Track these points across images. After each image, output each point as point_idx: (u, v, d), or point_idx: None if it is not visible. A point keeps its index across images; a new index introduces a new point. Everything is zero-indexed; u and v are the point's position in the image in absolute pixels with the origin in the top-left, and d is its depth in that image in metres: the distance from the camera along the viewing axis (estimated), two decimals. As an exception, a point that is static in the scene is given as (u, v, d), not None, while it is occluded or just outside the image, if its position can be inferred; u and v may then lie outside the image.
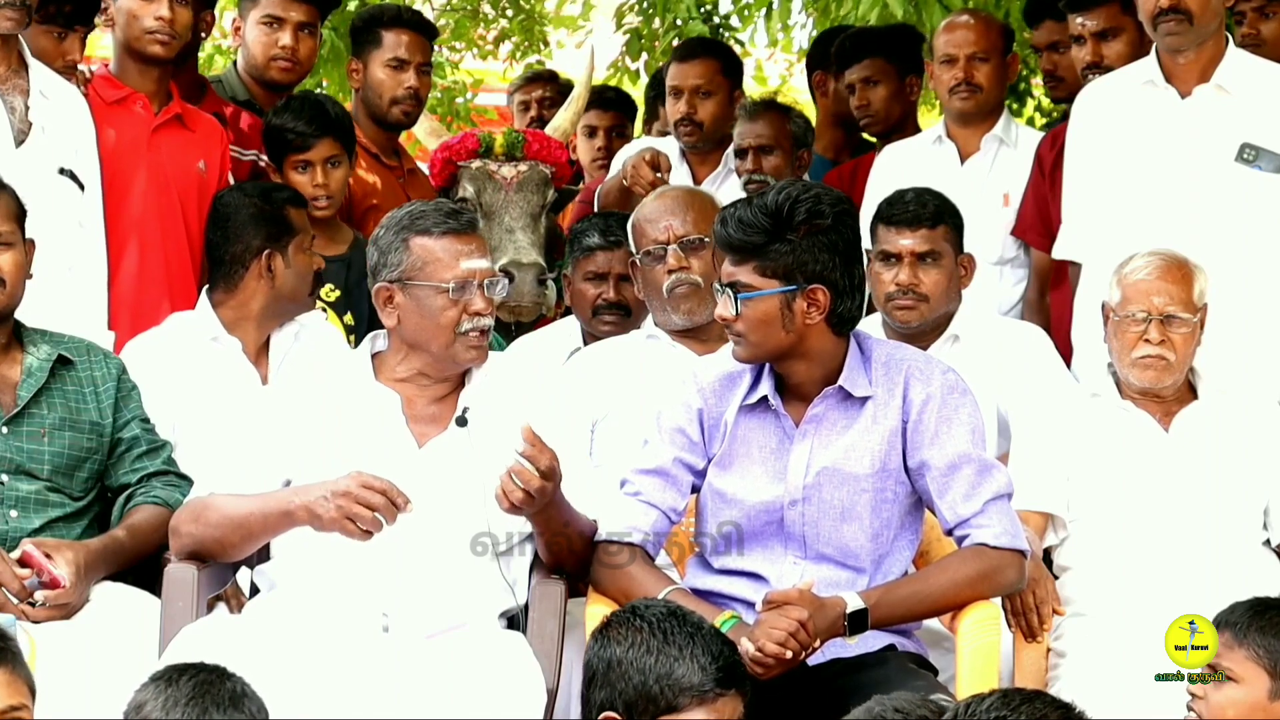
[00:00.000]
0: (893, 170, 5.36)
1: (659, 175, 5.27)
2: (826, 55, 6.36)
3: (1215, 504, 4.09)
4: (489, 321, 3.78)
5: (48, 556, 3.72)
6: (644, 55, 8.58)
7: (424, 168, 5.67)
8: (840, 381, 3.62)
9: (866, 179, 5.55)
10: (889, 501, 3.63)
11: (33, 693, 2.88)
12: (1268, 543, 4.15)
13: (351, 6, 7.46)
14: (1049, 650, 4.03)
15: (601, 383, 4.38)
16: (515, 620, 3.73)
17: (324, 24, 5.59)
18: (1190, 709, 3.36)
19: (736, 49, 7.69)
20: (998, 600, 3.73)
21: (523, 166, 5.25)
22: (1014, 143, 5.41)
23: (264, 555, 3.80)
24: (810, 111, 6.64)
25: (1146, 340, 4.12)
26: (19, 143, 4.40)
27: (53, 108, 4.47)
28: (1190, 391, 4.23)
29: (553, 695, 3.57)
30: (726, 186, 5.78)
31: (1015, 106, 8.88)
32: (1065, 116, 5.11)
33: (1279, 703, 3.28)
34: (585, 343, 4.77)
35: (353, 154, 5.07)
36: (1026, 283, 5.33)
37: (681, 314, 4.40)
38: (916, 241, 4.51)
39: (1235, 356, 4.44)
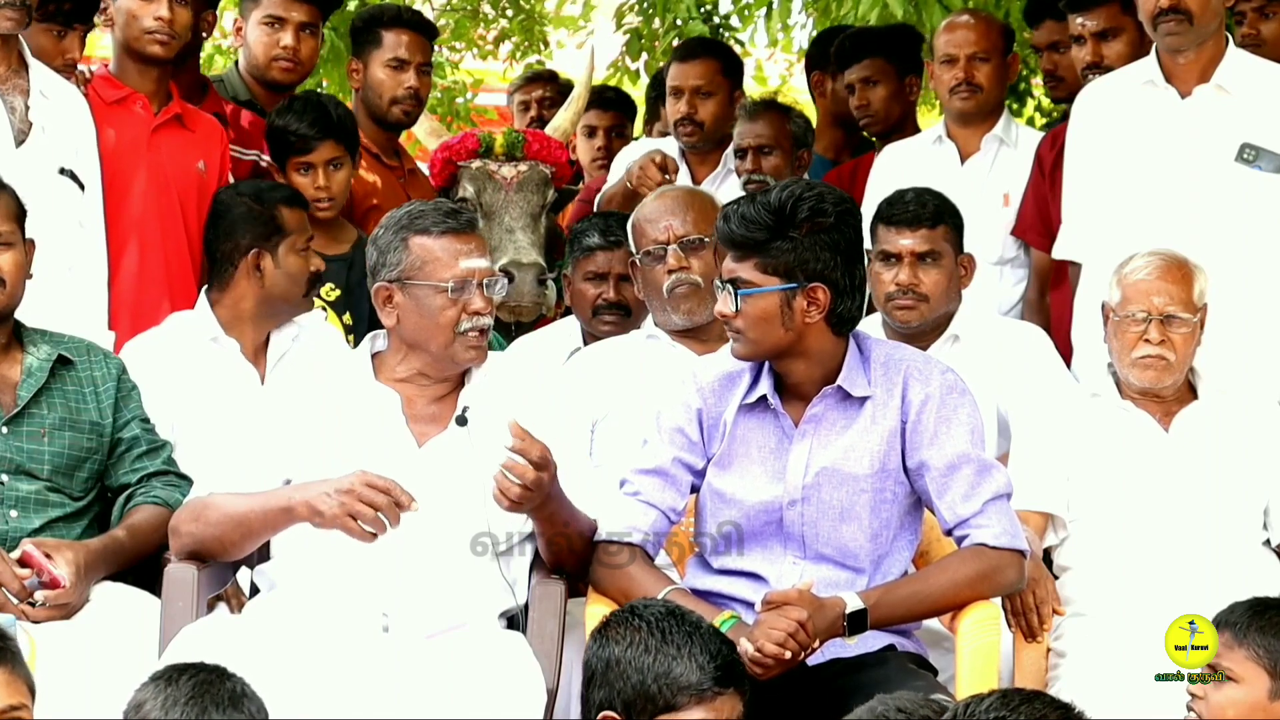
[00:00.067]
0: (893, 170, 5.36)
1: (667, 177, 5.27)
2: (825, 55, 6.37)
3: (1215, 504, 4.09)
4: (488, 321, 3.78)
5: (48, 556, 3.72)
6: (644, 55, 8.58)
7: (424, 168, 5.67)
8: (839, 381, 3.62)
9: (866, 179, 5.55)
10: (888, 502, 3.63)
11: (32, 693, 2.88)
12: (1268, 543, 4.15)
13: (351, 6, 7.45)
14: (1049, 650, 4.03)
15: (601, 383, 4.38)
16: (515, 620, 3.73)
17: (325, 24, 5.59)
18: (1190, 709, 3.36)
19: (736, 49, 7.69)
20: (998, 600, 3.73)
21: (523, 166, 5.25)
22: (1014, 143, 5.41)
23: (264, 555, 3.80)
24: (811, 111, 6.64)
25: (1146, 340, 4.12)
26: (19, 143, 4.40)
27: (53, 108, 4.48)
28: (1190, 391, 4.23)
29: (553, 695, 3.57)
30: (726, 186, 5.78)
31: (1015, 106, 8.88)
32: (1065, 116, 5.11)
33: (1279, 703, 3.28)
34: (585, 343, 4.77)
35: (356, 156, 5.06)
36: (1026, 283, 5.33)
37: (681, 314, 4.40)
38: (916, 241, 4.51)
39: (1235, 356, 4.44)
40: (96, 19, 4.92)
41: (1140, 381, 4.15)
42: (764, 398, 3.66)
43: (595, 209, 5.58)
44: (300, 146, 4.94)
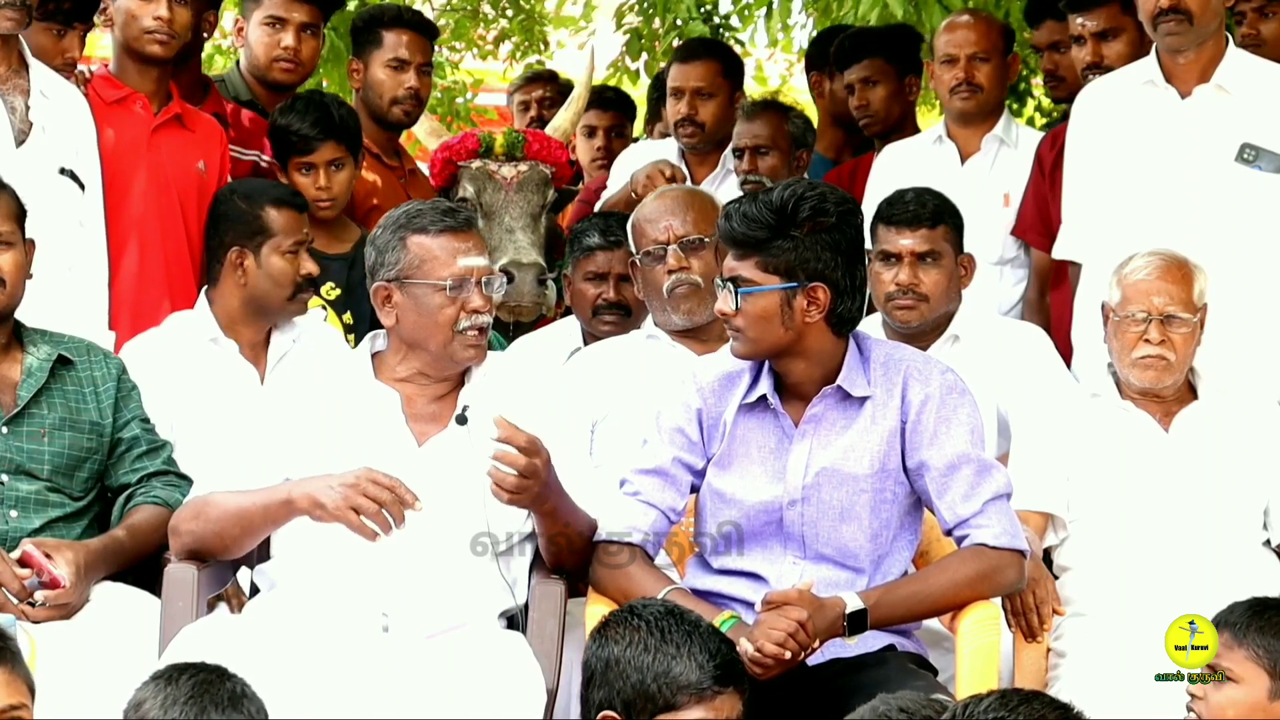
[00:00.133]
0: (893, 170, 5.36)
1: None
2: (824, 56, 6.37)
3: (1215, 504, 4.09)
4: (487, 319, 3.78)
5: (48, 556, 3.72)
6: (644, 55, 8.58)
7: (424, 168, 5.67)
8: (839, 381, 3.62)
9: (866, 179, 5.55)
10: (888, 502, 3.63)
11: (32, 692, 2.88)
12: (1268, 543, 4.15)
13: (352, 6, 7.45)
14: (1049, 650, 4.03)
15: (601, 383, 4.38)
16: (515, 620, 3.73)
17: (325, 24, 5.58)
18: (1190, 709, 3.36)
19: (737, 49, 7.69)
20: (998, 600, 3.73)
21: (523, 166, 5.25)
22: (1014, 143, 5.41)
23: (264, 555, 3.81)
24: (813, 111, 6.64)
25: (1146, 340, 4.12)
26: (19, 143, 4.40)
27: (53, 108, 4.47)
28: (1190, 391, 4.23)
29: (553, 695, 3.57)
30: (725, 187, 5.78)
31: (1015, 106, 8.88)
32: (1065, 116, 5.11)
33: (1279, 703, 3.28)
34: (585, 343, 4.77)
35: (358, 156, 5.06)
36: (1026, 283, 5.33)
37: (681, 314, 4.40)
38: (916, 241, 4.51)
39: (1235, 356, 4.44)
40: (96, 18, 4.93)
41: (1140, 381, 4.15)
42: (764, 397, 3.66)
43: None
44: (302, 146, 4.93)
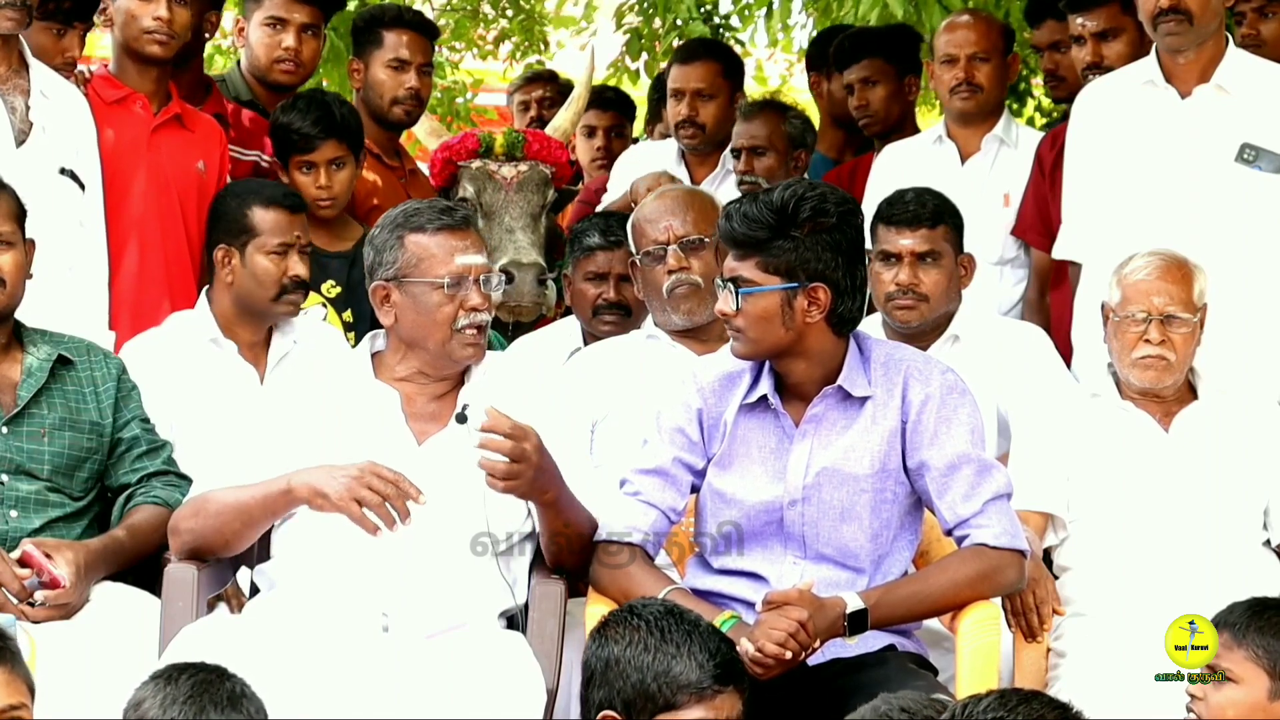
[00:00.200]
0: (893, 170, 5.36)
1: None
2: (824, 56, 6.37)
3: (1215, 504, 4.09)
4: (485, 317, 3.78)
5: (48, 556, 3.72)
6: (644, 55, 8.58)
7: (424, 168, 5.67)
8: (839, 381, 3.62)
9: (866, 179, 5.55)
10: (888, 502, 3.63)
11: (32, 692, 2.88)
12: (1268, 543, 4.15)
13: (352, 6, 7.45)
14: (1049, 650, 4.03)
15: (601, 383, 4.38)
16: (515, 620, 3.73)
17: (326, 25, 5.58)
18: (1190, 709, 3.36)
19: (737, 49, 7.69)
20: (998, 600, 3.73)
21: (523, 166, 5.25)
22: (1014, 143, 5.41)
23: (264, 555, 3.81)
24: (813, 111, 6.64)
25: (1146, 340, 4.12)
26: (20, 143, 4.40)
27: (53, 108, 4.48)
28: (1190, 391, 4.23)
29: (553, 695, 3.57)
30: (725, 187, 5.79)
31: (1015, 106, 8.88)
32: (1065, 116, 5.11)
33: (1278, 703, 3.28)
34: (585, 343, 4.77)
35: (360, 155, 5.05)
36: (1026, 283, 5.33)
37: (681, 314, 4.40)
38: (916, 241, 4.52)
39: (1235, 356, 4.44)
40: (96, 18, 4.93)
41: (1140, 382, 4.15)
42: (764, 398, 3.66)
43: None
44: (303, 145, 4.93)
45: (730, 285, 3.57)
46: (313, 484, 3.52)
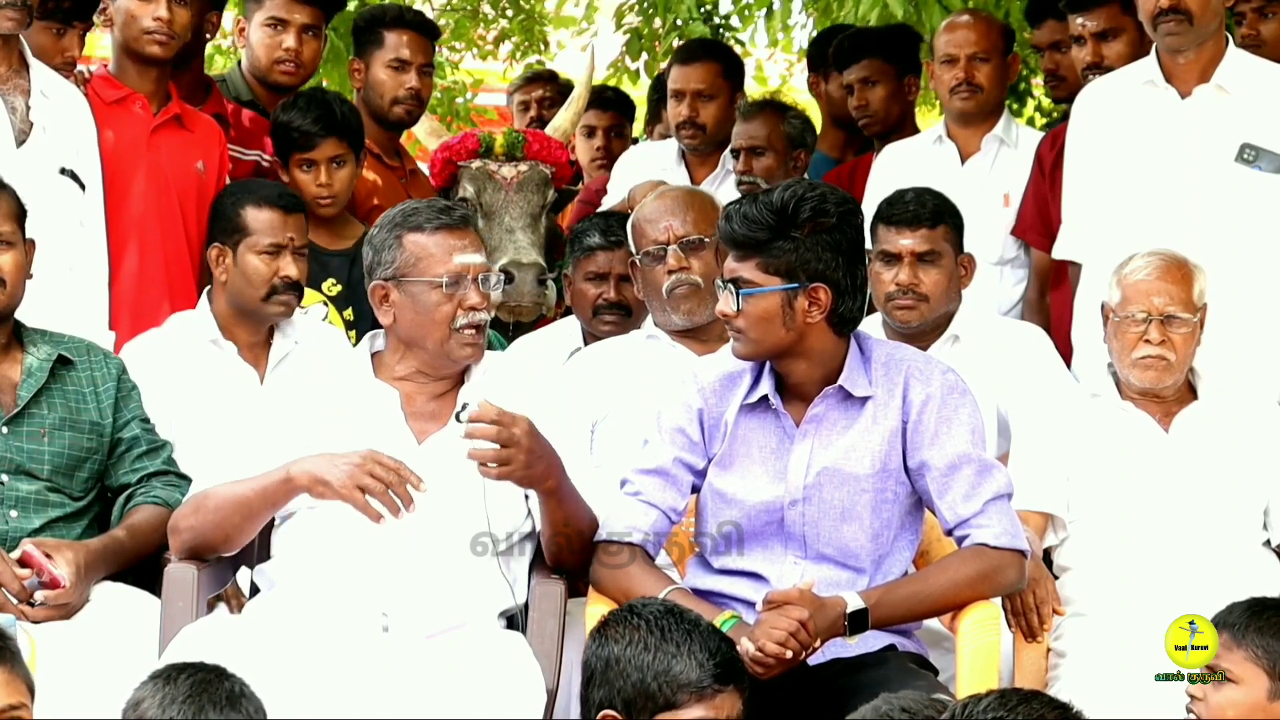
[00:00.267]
0: (893, 170, 5.36)
1: None
2: (823, 56, 6.37)
3: (1215, 504, 4.09)
4: (484, 317, 3.78)
5: (48, 556, 3.72)
6: (644, 55, 8.58)
7: (424, 168, 5.67)
8: (840, 381, 3.62)
9: (866, 179, 5.55)
10: (889, 502, 3.63)
11: (32, 692, 2.88)
12: (1268, 543, 4.15)
13: (352, 6, 7.46)
14: (1049, 650, 4.03)
15: (601, 383, 4.38)
16: (515, 620, 3.73)
17: (327, 26, 5.58)
18: (1190, 710, 3.36)
19: (737, 49, 7.69)
20: (998, 600, 3.73)
21: (523, 166, 5.25)
22: (1014, 143, 5.41)
23: (264, 555, 3.81)
24: (814, 110, 6.64)
25: (1147, 340, 4.12)
26: (20, 143, 4.40)
27: (54, 108, 4.48)
28: (1190, 392, 4.23)
29: (553, 695, 3.57)
30: (725, 188, 5.79)
31: (1015, 106, 8.88)
32: (1065, 116, 5.10)
33: (1278, 703, 3.28)
34: (585, 343, 4.77)
35: (360, 154, 5.05)
36: (1026, 283, 5.33)
37: (681, 314, 4.40)
38: (916, 241, 4.52)
39: (1235, 356, 4.44)
40: (96, 18, 4.93)
41: (1140, 382, 4.15)
42: (765, 398, 3.66)
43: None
44: (303, 143, 4.93)
45: (731, 286, 3.57)
46: (313, 472, 3.52)
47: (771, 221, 3.53)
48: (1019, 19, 6.56)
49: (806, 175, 5.74)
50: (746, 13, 8.41)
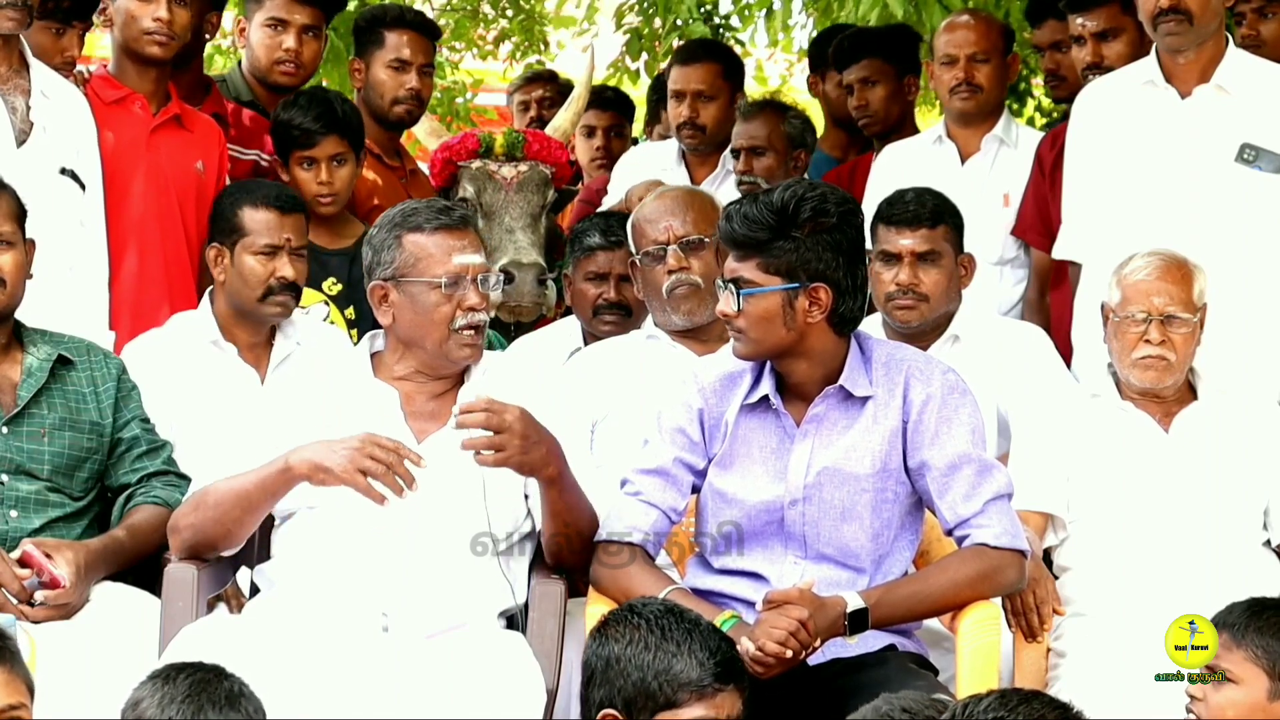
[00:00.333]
0: (893, 170, 5.36)
1: None
2: (822, 56, 6.37)
3: (1215, 504, 4.09)
4: (484, 317, 3.78)
5: (48, 556, 3.72)
6: (644, 55, 8.58)
7: (424, 168, 5.67)
8: (841, 381, 3.62)
9: (866, 179, 5.55)
10: (889, 502, 3.63)
11: (31, 692, 2.88)
12: (1268, 543, 4.15)
13: (352, 6, 7.46)
14: (1049, 650, 4.03)
15: (601, 383, 4.38)
16: (515, 620, 3.73)
17: (327, 26, 5.58)
18: (1190, 710, 3.36)
19: (737, 49, 7.69)
20: (998, 600, 3.73)
21: (523, 166, 5.25)
22: (1014, 143, 5.41)
23: (264, 555, 3.81)
24: (815, 110, 6.65)
25: (1147, 341, 4.12)
26: (20, 143, 4.40)
27: (54, 108, 4.48)
28: (1190, 392, 4.23)
29: (553, 695, 3.57)
30: (725, 188, 5.79)
31: (1015, 106, 8.89)
32: (1065, 116, 5.11)
33: (1278, 703, 3.28)
34: (585, 343, 4.77)
35: (361, 153, 5.05)
36: (1026, 283, 5.33)
37: (681, 314, 4.40)
38: (916, 241, 4.52)
39: (1235, 356, 4.44)
40: (95, 18, 4.93)
41: (1141, 382, 4.15)
42: (765, 398, 3.66)
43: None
44: (304, 141, 4.92)
45: (731, 286, 3.57)
46: (313, 459, 3.52)
47: (772, 221, 3.53)
48: (1019, 19, 6.57)
49: (807, 175, 5.74)
50: (746, 13, 8.40)
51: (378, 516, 3.59)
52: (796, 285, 3.54)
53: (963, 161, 5.41)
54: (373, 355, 3.84)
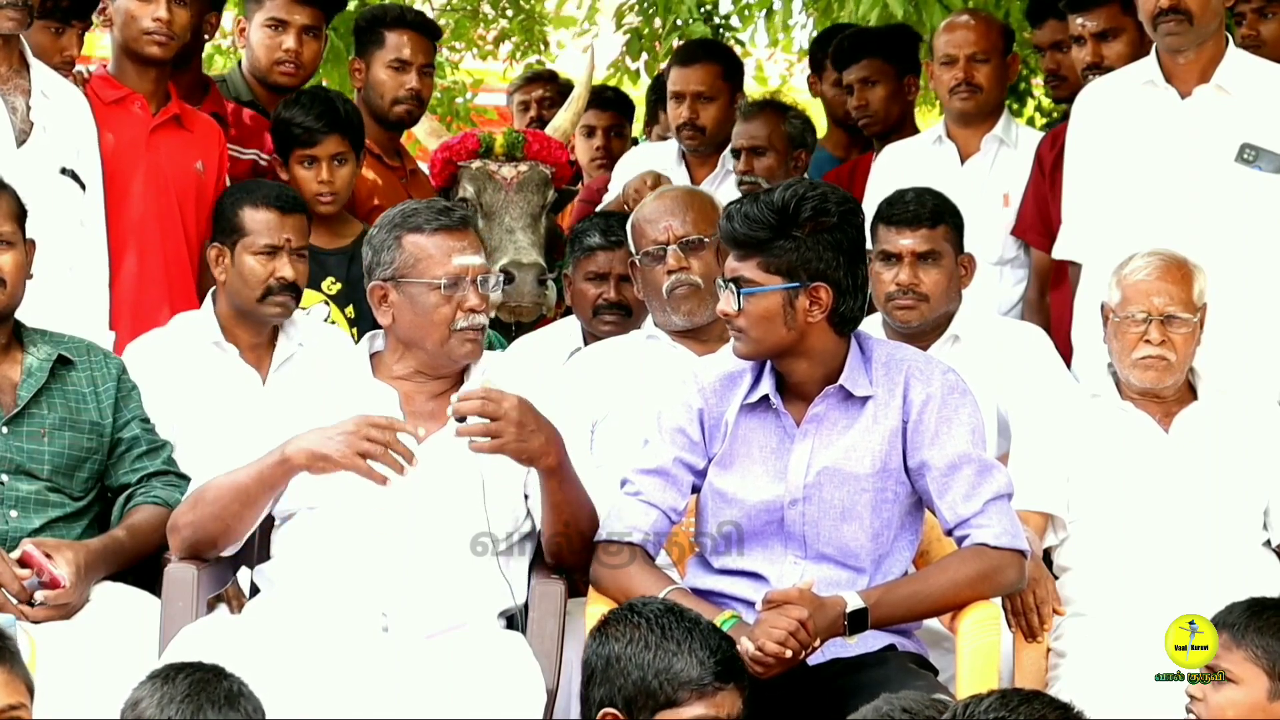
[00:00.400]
0: (893, 170, 5.36)
1: None
2: (821, 57, 6.37)
3: (1215, 504, 4.09)
4: (483, 319, 3.78)
5: (48, 556, 3.72)
6: (644, 55, 8.58)
7: (424, 168, 5.67)
8: (841, 381, 3.62)
9: (866, 179, 5.55)
10: (889, 501, 3.63)
11: (31, 692, 2.88)
12: (1268, 543, 4.15)
13: (352, 6, 7.46)
14: (1049, 650, 4.03)
15: (601, 383, 4.38)
16: (515, 620, 3.73)
17: (327, 26, 5.58)
18: (1190, 710, 3.36)
19: (737, 49, 7.69)
20: (998, 600, 3.73)
21: (523, 167, 5.25)
22: (1014, 143, 5.41)
23: (264, 555, 3.81)
24: (816, 110, 6.64)
25: (1147, 341, 4.12)
26: (20, 143, 4.40)
27: (54, 108, 4.48)
28: (1190, 392, 4.23)
29: (553, 695, 3.57)
30: (725, 188, 5.78)
31: (1015, 106, 8.89)
32: (1065, 116, 5.11)
33: (1278, 703, 3.28)
34: (585, 343, 4.77)
35: (361, 153, 5.05)
36: (1026, 283, 5.33)
37: (681, 314, 4.40)
38: (916, 241, 4.52)
39: (1235, 356, 4.44)
40: (95, 18, 4.92)
41: (1141, 382, 4.15)
42: (765, 397, 3.66)
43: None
44: (305, 139, 4.92)
45: (732, 285, 3.57)
46: (310, 448, 3.52)
47: (772, 221, 3.53)
48: (1019, 19, 6.57)
49: (807, 175, 5.74)
50: (746, 13, 8.40)
51: (377, 516, 3.59)
52: (797, 285, 3.54)
53: (963, 161, 5.41)
54: (372, 355, 3.84)
